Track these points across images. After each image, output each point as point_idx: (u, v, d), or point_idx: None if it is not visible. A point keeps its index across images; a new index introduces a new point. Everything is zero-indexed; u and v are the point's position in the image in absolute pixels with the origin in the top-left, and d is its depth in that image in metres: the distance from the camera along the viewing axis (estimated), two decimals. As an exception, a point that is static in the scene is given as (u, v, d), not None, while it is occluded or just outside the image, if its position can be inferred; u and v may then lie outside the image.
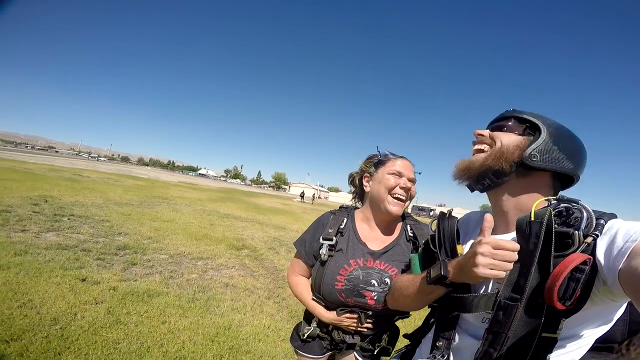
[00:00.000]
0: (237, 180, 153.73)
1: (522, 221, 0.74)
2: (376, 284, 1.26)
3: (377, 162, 1.38)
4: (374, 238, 1.35)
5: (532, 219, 0.72)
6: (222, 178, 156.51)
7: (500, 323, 0.70)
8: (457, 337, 0.88)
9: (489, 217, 0.80)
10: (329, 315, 1.35)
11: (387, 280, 1.26)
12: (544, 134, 0.83)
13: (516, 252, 0.72)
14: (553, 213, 0.72)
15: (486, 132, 0.93)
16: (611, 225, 0.69)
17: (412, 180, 1.33)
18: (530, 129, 0.87)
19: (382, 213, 1.32)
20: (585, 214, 0.70)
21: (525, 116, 0.88)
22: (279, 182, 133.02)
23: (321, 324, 1.39)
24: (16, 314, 2.58)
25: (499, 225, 0.89)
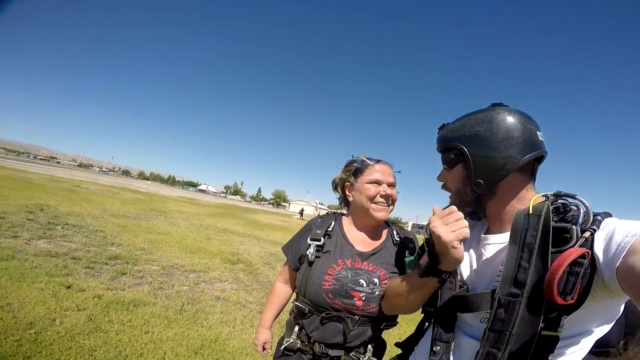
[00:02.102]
0: (237, 196, 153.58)
1: (520, 215, 0.73)
2: (365, 284, 1.22)
3: (355, 170, 1.37)
4: (361, 241, 1.34)
5: (531, 212, 0.71)
6: (222, 194, 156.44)
7: (502, 321, 0.68)
8: (456, 339, 0.84)
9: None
10: (259, 333, 1.48)
11: (376, 280, 1.23)
12: (468, 157, 0.84)
13: (457, 210, 0.78)
14: (551, 209, 0.71)
15: (442, 178, 0.97)
16: (609, 222, 0.67)
17: (392, 185, 1.33)
18: (459, 154, 0.87)
19: (368, 219, 1.33)
20: (582, 209, 0.69)
21: (448, 144, 0.89)
22: (279, 200, 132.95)
23: (302, 335, 1.30)
24: (-10, 317, 2.48)
25: (494, 227, 0.90)
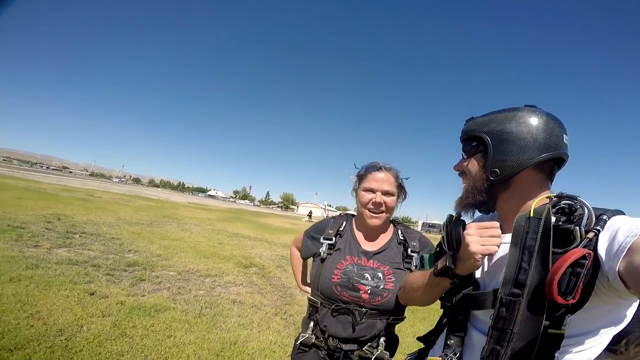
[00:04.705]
0: (246, 201, 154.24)
1: (521, 218, 0.75)
2: (369, 278, 1.32)
3: (359, 177, 1.47)
4: (368, 240, 1.44)
5: (532, 215, 0.73)
6: (231, 199, 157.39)
7: (504, 319, 0.70)
8: (469, 334, 0.88)
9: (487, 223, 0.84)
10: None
11: (380, 275, 1.33)
12: (489, 146, 0.86)
13: (498, 227, 0.79)
14: (554, 210, 0.73)
15: (459, 166, 0.98)
16: (614, 221, 0.68)
17: (388, 193, 1.38)
18: (481, 144, 0.89)
19: (365, 223, 1.42)
20: (585, 211, 0.70)
21: (472, 133, 0.92)
22: (287, 203, 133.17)
23: (317, 331, 1.38)
24: (23, 324, 2.59)
25: (506, 225, 0.90)
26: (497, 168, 0.85)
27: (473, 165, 0.92)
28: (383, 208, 1.38)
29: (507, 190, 0.87)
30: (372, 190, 1.38)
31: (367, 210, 1.39)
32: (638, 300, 0.72)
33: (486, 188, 0.88)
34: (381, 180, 1.39)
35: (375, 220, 1.38)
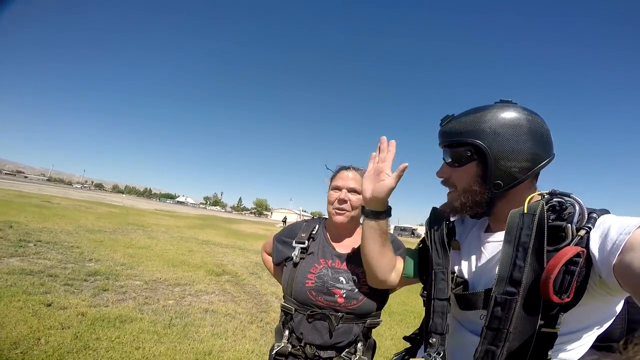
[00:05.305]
0: (217, 207, 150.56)
1: (515, 214, 0.73)
2: (344, 281, 1.29)
3: (330, 179, 1.47)
4: (342, 243, 1.42)
5: (525, 211, 0.71)
6: (201, 205, 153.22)
7: (499, 319, 0.68)
8: (453, 331, 0.85)
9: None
10: None
11: (355, 278, 1.30)
12: (490, 158, 0.80)
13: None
14: (546, 207, 0.71)
15: (445, 174, 0.91)
16: (604, 220, 0.68)
17: (353, 191, 1.37)
18: (474, 152, 0.83)
19: (333, 222, 1.40)
20: (577, 208, 0.69)
21: (461, 139, 0.84)
22: (261, 209, 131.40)
23: (292, 339, 1.32)
24: (-30, 339, 2.34)
25: (495, 225, 0.90)
26: (500, 180, 0.80)
27: (467, 176, 0.85)
28: (347, 206, 1.34)
29: (504, 198, 0.84)
30: (339, 188, 1.37)
31: (333, 209, 1.37)
32: (624, 299, 0.73)
33: (486, 200, 0.84)
34: (348, 178, 1.38)
35: (339, 217, 1.35)
